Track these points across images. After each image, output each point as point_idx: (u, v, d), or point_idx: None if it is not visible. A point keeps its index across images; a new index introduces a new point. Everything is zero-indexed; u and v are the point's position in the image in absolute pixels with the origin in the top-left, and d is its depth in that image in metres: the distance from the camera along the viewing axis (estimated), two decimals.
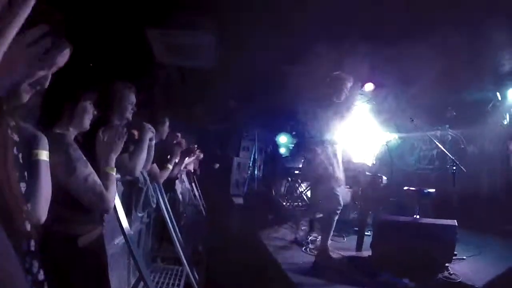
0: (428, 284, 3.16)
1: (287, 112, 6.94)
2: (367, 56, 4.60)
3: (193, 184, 5.37)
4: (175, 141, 3.48)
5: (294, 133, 8.26)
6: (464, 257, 3.81)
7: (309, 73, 4.91)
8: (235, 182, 7.30)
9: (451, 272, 3.33)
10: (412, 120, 4.98)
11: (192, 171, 5.01)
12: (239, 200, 6.66)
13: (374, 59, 4.84)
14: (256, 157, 7.69)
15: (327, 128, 4.02)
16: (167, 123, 3.24)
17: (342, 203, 4.09)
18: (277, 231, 5.21)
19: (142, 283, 2.41)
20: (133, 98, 2.19)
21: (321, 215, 5.47)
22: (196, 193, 5.48)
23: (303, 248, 4.41)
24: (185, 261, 2.76)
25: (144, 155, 2.25)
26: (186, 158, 3.77)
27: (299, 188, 7.16)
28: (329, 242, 4.11)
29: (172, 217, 3.04)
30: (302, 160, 6.48)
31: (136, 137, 2.24)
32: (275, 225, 5.47)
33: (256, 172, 7.59)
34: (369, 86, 6.35)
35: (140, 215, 2.74)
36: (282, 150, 8.54)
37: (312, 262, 3.84)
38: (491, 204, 5.13)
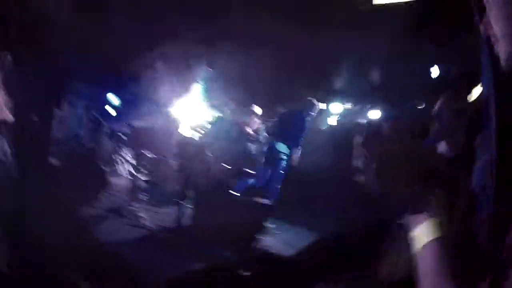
0: (243, 253, 3.65)
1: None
2: None
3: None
4: None
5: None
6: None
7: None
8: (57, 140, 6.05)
9: (265, 245, 3.97)
10: None
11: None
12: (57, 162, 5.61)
13: None
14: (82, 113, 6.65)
15: None
16: None
17: None
18: (98, 199, 4.83)
19: None
20: None
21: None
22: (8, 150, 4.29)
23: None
24: None
25: None
26: None
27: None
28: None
29: None
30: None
31: None
32: (95, 192, 5.00)
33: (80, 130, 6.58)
34: None
35: None
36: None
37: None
38: None
